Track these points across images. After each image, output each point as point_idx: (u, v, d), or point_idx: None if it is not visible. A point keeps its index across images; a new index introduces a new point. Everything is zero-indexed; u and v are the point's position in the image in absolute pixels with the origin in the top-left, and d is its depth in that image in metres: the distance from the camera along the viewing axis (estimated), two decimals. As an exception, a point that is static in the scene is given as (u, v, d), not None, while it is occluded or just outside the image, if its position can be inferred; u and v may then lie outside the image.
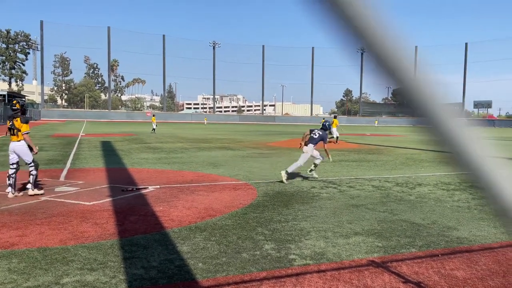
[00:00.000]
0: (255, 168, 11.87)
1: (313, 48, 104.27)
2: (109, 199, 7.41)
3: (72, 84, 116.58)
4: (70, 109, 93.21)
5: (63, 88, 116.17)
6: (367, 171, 11.74)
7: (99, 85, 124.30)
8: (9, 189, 7.51)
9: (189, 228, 5.62)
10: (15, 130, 7.58)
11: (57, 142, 21.84)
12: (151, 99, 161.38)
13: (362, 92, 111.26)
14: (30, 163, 7.67)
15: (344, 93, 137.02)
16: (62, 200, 7.33)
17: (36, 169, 7.75)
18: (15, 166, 7.65)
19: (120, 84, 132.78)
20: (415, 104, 0.53)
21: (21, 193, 7.68)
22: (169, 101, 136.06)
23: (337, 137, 23.47)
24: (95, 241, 5.02)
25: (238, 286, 3.76)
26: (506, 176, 0.54)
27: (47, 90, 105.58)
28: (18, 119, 7.63)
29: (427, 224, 5.97)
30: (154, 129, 33.69)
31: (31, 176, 7.63)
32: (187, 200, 7.41)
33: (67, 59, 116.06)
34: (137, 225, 5.72)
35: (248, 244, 4.96)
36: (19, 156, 7.67)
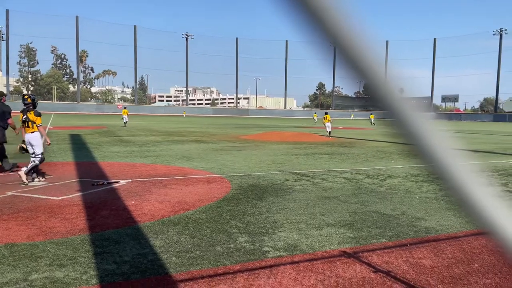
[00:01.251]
0: (228, 162, 11.86)
1: (286, 41, 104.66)
2: (78, 194, 7.23)
3: (38, 75, 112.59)
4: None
5: (29, 79, 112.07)
6: (339, 164, 11.93)
7: (67, 76, 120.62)
8: (34, 175, 8.15)
9: (162, 222, 5.57)
10: (30, 123, 8.23)
11: (23, 135, 21.12)
12: (122, 91, 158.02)
13: (335, 86, 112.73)
14: (38, 154, 8.19)
15: (317, 87, 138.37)
16: (29, 195, 7.10)
17: (40, 162, 8.26)
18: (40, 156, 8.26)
19: (90, 75, 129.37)
20: (382, 97, 0.54)
21: (50, 176, 8.41)
22: (141, 94, 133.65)
23: (329, 132, 24.24)
24: (65, 236, 4.90)
25: (212, 279, 3.76)
26: (464, 168, 0.56)
27: (12, 81, 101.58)
28: (32, 112, 8.28)
29: (396, 215, 6.14)
30: (126, 122, 32.76)
31: (30, 164, 8.05)
32: (160, 194, 7.33)
33: (33, 49, 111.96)
34: (109, 220, 5.62)
35: (222, 237, 4.97)
36: (31, 146, 8.19)
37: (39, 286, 3.58)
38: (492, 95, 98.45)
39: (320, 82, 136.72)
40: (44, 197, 6.96)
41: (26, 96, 8.49)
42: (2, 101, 9.79)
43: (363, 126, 42.93)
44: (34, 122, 8.25)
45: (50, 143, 8.76)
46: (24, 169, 8.00)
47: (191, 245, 4.65)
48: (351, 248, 4.66)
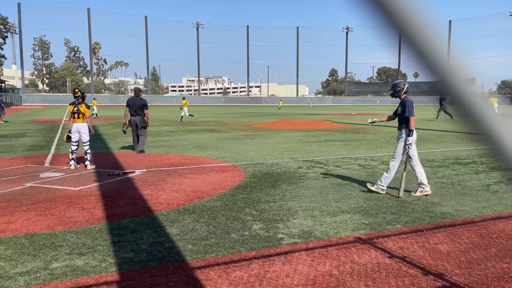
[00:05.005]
0: (241, 150, 11.88)
1: (298, 27, 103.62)
2: (96, 184, 7.35)
3: (53, 68, 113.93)
4: (52, 94, 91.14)
5: (44, 72, 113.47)
6: (353, 150, 11.86)
7: (81, 68, 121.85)
8: (72, 162, 8.98)
9: (177, 210, 5.63)
10: (80, 114, 9.06)
11: (40, 127, 21.46)
12: (135, 82, 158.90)
13: (348, 72, 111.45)
14: (87, 142, 9.12)
15: (329, 73, 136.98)
16: (48, 186, 7.25)
17: (90, 147, 9.21)
18: (77, 144, 9.11)
19: (103, 67, 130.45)
20: (449, 84, 0.55)
21: (78, 166, 9.10)
22: (154, 84, 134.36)
23: (190, 115, 27.65)
24: (83, 226, 5.00)
25: (227, 266, 3.80)
26: None
27: (27, 74, 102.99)
28: (83, 105, 9.12)
29: (412, 201, 6.09)
30: (96, 114, 29.62)
31: (88, 155, 9.04)
32: (174, 183, 7.40)
33: (47, 42, 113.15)
34: (125, 209, 5.71)
35: (236, 224, 5.01)
36: (80, 134, 9.11)
37: (59, 274, 3.67)
38: (510, 77, 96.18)
39: (333, 68, 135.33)
40: (62, 187, 7.09)
41: (76, 90, 9.27)
42: (140, 96, 11.76)
43: (377, 112, 42.44)
44: (84, 114, 9.10)
45: (93, 133, 9.53)
46: (87, 163, 8.97)
47: (207, 233, 4.70)
48: (366, 234, 4.65)
